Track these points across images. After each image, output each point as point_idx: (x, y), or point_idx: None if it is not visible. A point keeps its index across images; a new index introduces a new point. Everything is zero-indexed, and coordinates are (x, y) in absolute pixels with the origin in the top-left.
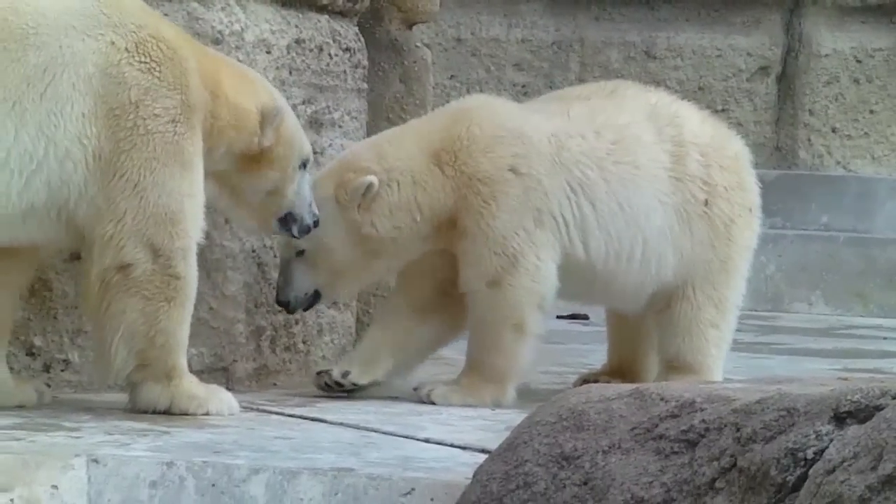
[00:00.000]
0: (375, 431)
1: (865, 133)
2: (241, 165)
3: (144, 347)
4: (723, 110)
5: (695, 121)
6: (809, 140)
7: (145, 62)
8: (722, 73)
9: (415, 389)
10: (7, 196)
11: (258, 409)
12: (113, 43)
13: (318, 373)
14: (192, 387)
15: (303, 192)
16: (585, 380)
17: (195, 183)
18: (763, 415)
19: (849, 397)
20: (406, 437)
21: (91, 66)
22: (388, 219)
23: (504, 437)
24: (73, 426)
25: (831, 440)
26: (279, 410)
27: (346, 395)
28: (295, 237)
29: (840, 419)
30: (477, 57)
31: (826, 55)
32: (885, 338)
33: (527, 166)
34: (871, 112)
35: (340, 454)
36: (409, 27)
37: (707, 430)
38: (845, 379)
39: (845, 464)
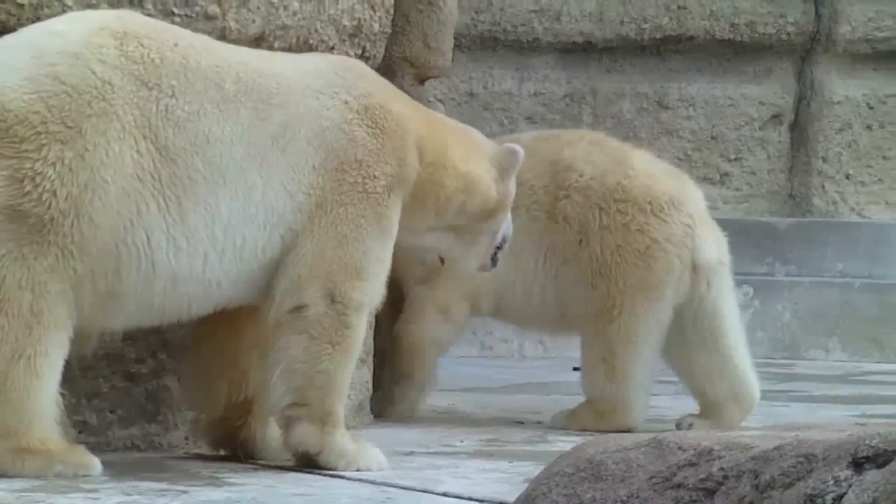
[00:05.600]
0: (394, 487)
1: (879, 179)
2: (482, 216)
3: (303, 385)
4: (736, 159)
5: (595, 164)
6: (823, 187)
7: (371, 127)
8: (734, 121)
9: None
10: (254, 252)
11: (276, 467)
12: (346, 102)
13: None
14: (344, 442)
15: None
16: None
17: (387, 251)
18: (781, 461)
19: (867, 442)
20: (424, 491)
21: (325, 121)
22: None
23: (522, 490)
24: (90, 488)
25: (850, 486)
26: (297, 467)
27: None
28: (494, 268)
29: (858, 464)
30: (489, 111)
31: (838, 102)
32: None
33: None
34: (885, 158)
35: None
36: (422, 82)
37: (725, 477)
38: (863, 424)
39: None
